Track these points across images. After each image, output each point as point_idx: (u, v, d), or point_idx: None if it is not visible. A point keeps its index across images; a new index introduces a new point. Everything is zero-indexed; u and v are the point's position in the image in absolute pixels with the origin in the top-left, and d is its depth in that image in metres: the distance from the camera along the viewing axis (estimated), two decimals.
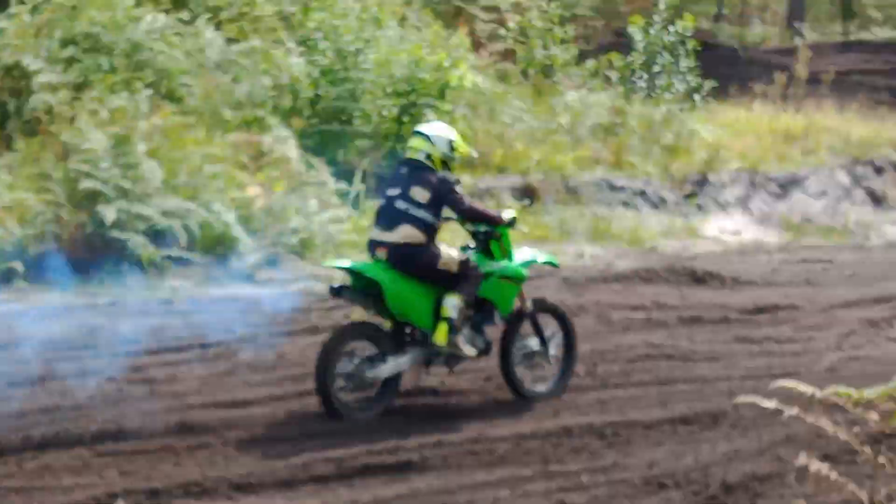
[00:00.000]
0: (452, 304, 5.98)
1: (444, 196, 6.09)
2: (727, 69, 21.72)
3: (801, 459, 3.96)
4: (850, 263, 11.45)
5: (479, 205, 6.82)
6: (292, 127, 10.57)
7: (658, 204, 11.76)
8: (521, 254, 6.66)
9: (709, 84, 14.70)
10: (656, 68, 14.55)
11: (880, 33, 27.74)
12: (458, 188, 6.24)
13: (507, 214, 6.47)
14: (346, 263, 6.48)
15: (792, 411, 4.08)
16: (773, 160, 13.78)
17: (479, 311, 6.30)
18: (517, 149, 11.35)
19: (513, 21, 15.02)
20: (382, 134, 11.25)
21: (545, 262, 7.21)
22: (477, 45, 14.07)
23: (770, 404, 4.01)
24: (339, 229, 9.56)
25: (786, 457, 5.26)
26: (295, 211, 9.41)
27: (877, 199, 14.52)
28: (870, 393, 3.50)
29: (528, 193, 10.84)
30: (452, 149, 6.26)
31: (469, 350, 6.18)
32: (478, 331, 6.32)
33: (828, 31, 31.25)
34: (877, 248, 12.75)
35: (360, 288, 6.07)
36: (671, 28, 14.64)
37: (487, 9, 15.77)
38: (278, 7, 12.18)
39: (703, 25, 22.86)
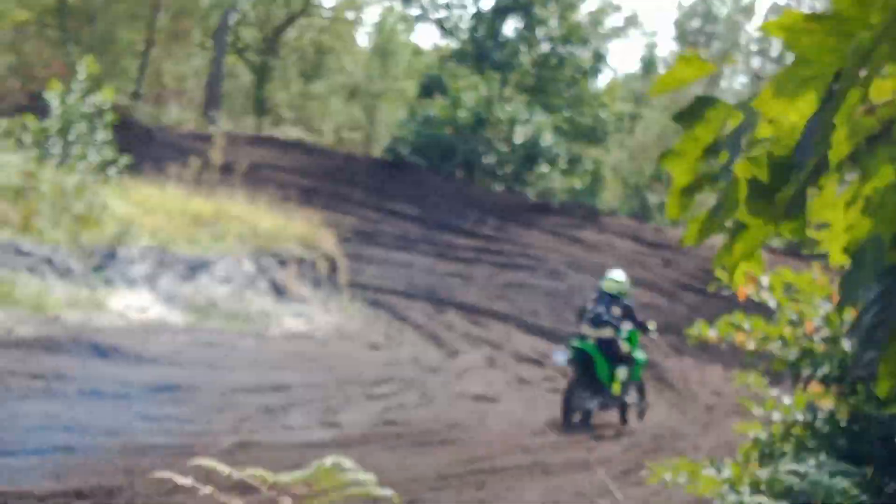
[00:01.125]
0: (623, 371, 11.21)
1: (629, 314, 11.37)
2: (142, 147, 21.98)
3: None
4: (250, 350, 11.97)
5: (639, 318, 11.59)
6: None
7: (65, 273, 11.41)
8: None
9: (124, 159, 14.54)
10: (72, 136, 14.18)
11: (291, 132, 30.07)
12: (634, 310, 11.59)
13: (651, 325, 11.62)
14: (578, 345, 11.22)
15: (206, 490, 4.36)
16: (183, 242, 13.92)
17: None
18: None
19: None
20: None
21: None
22: None
23: (186, 481, 4.26)
24: None
25: None
26: None
27: (279, 291, 15.18)
28: (285, 477, 3.88)
29: None
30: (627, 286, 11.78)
31: (630, 398, 11.55)
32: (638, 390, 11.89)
33: (242, 123, 33.17)
34: (276, 337, 13.39)
35: (579, 359, 11.20)
36: (89, 98, 14.42)
37: None
38: None
39: (122, 101, 22.90)
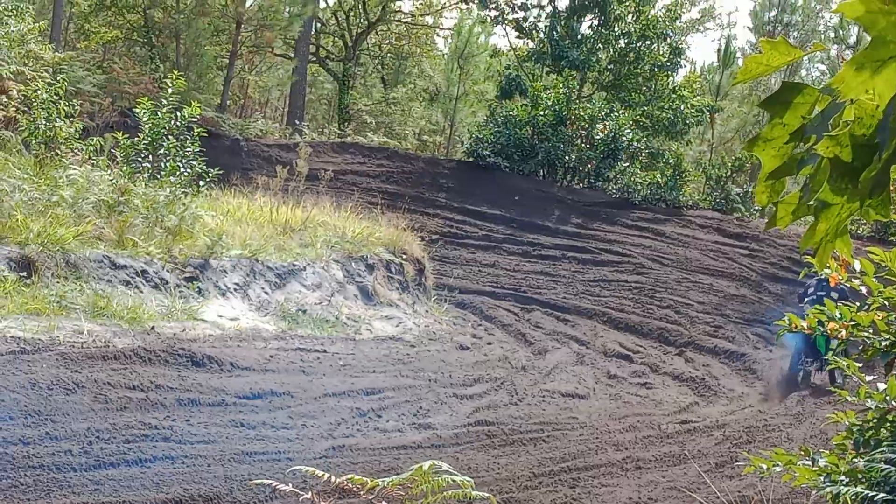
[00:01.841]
0: (834, 342, 9.87)
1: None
2: (230, 158, 22.52)
3: None
4: (341, 355, 11.98)
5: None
6: None
7: (159, 285, 11.65)
8: None
9: (213, 171, 14.73)
10: (162, 151, 14.53)
11: (374, 138, 30.41)
12: None
13: None
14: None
15: (306, 495, 4.41)
16: (273, 250, 14.08)
17: None
18: (15, 219, 10.68)
19: (16, 90, 14.35)
20: None
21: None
22: None
23: (286, 487, 4.32)
24: None
25: None
26: None
27: (368, 295, 15.21)
28: (383, 481, 3.90)
29: (24, 266, 10.21)
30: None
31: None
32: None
33: (326, 131, 33.67)
34: (366, 341, 13.43)
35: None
36: (177, 113, 14.74)
37: None
38: None
39: (209, 114, 23.40)
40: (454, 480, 3.85)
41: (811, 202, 1.59)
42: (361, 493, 3.93)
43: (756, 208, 29.20)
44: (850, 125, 1.53)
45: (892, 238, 23.75)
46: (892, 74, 1.42)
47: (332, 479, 4.05)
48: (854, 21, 1.43)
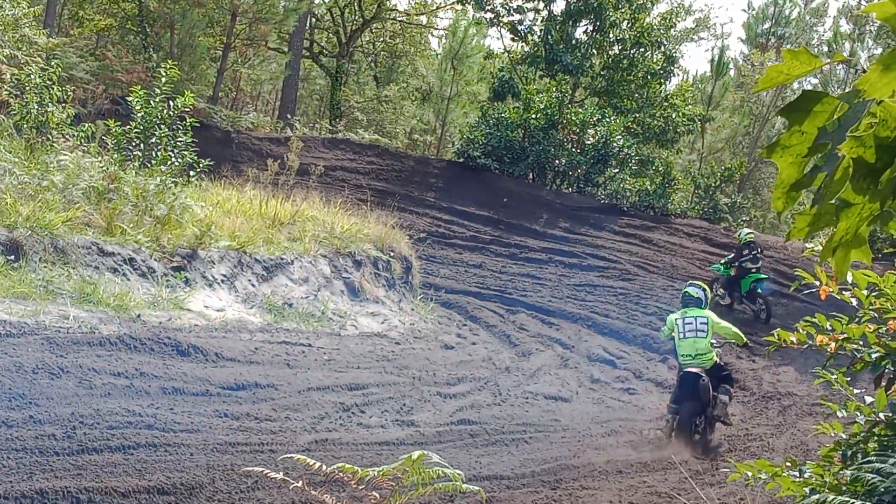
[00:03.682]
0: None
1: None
2: (221, 150, 22.49)
3: None
4: (326, 350, 12.01)
5: None
6: None
7: (146, 274, 11.62)
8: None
9: (204, 162, 14.73)
10: (153, 140, 14.50)
11: (365, 135, 30.37)
12: None
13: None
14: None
15: (296, 484, 4.41)
16: (261, 243, 14.05)
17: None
18: (5, 202, 10.64)
19: (9, 73, 14.29)
20: None
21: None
22: None
23: (277, 475, 4.32)
24: None
25: None
26: None
27: (354, 291, 15.24)
28: (373, 471, 3.92)
29: (12, 249, 10.18)
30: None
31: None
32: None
33: (317, 126, 33.62)
34: (351, 337, 13.46)
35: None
36: (170, 103, 14.71)
37: None
38: None
39: (201, 105, 23.34)
40: (444, 473, 3.87)
41: (832, 201, 1.61)
42: (352, 482, 3.95)
43: (744, 218, 29.34)
44: (875, 126, 1.55)
45: (886, 252, 23.78)
46: None
47: (323, 467, 4.08)
48: (883, 21, 1.46)
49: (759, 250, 19.68)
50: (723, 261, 20.20)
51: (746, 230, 20.40)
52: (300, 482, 5.13)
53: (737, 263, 19.43)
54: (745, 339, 11.44)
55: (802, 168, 1.65)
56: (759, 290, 19.12)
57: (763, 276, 19.46)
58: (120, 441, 7.11)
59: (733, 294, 19.69)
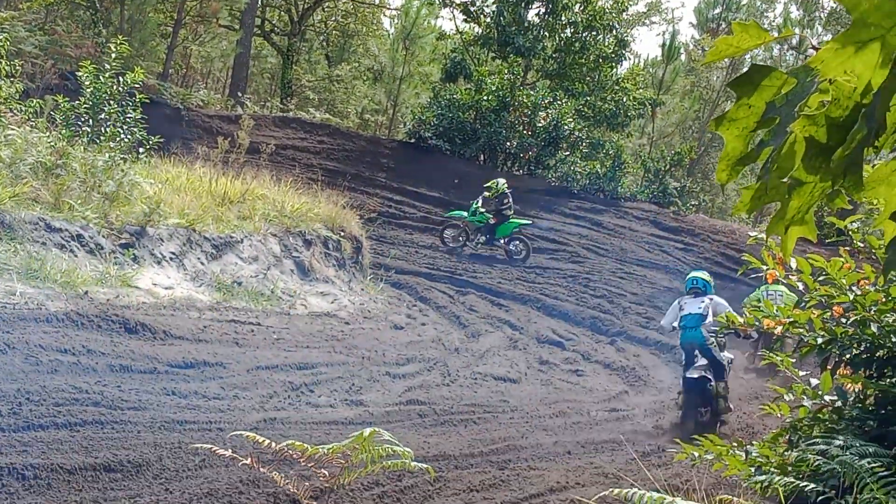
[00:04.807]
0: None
1: None
2: (171, 127, 22.19)
3: None
4: (276, 329, 11.99)
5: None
6: None
7: (94, 250, 11.46)
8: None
9: (154, 139, 14.57)
10: (102, 116, 14.27)
11: (316, 114, 30.18)
12: None
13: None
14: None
15: (245, 461, 4.41)
16: (211, 221, 13.91)
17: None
18: None
19: None
20: None
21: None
22: None
23: (226, 452, 4.31)
24: None
25: None
26: None
27: (304, 270, 15.15)
28: (323, 449, 3.91)
29: None
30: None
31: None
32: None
33: (268, 104, 33.33)
34: (301, 316, 13.41)
35: None
36: (120, 78, 14.48)
37: None
38: None
39: (151, 82, 23.00)
40: (394, 451, 3.90)
41: (785, 179, 1.65)
42: (301, 460, 3.94)
43: (693, 203, 29.71)
44: (827, 106, 1.58)
45: (829, 241, 24.25)
46: (870, 56, 1.48)
47: (272, 445, 4.08)
48: (837, 2, 1.50)
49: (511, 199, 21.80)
50: (472, 209, 21.72)
51: (502, 180, 21.91)
52: (249, 460, 5.14)
53: (497, 210, 21.36)
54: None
55: (748, 142, 1.69)
56: (521, 233, 21.53)
57: (526, 220, 22.12)
58: (66, 418, 7.04)
59: (490, 239, 21.59)
